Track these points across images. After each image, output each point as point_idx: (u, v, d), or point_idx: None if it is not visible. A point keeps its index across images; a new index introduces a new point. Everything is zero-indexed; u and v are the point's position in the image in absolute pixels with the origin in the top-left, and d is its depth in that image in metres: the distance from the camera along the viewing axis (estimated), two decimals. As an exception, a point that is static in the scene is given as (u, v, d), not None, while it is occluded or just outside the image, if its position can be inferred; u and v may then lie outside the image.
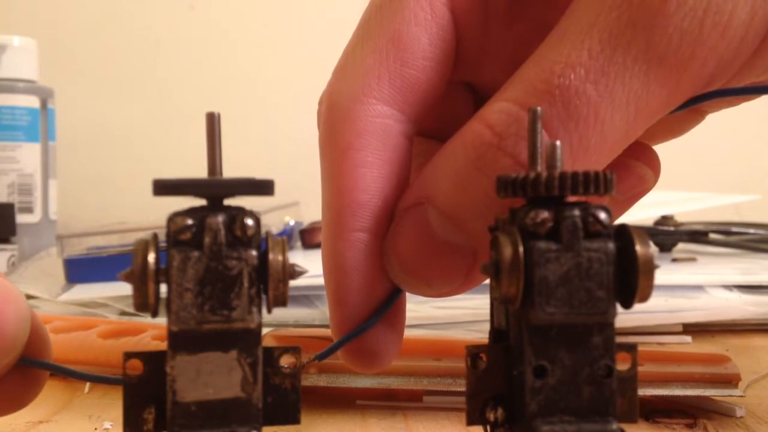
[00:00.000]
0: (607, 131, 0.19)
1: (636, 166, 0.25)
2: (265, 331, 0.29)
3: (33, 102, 0.69)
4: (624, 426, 0.18)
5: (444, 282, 0.21)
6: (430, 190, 0.21)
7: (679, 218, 0.68)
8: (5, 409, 0.21)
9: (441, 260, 0.21)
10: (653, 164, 0.25)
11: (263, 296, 0.18)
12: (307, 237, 0.64)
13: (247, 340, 0.18)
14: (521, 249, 0.17)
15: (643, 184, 0.25)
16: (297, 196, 0.73)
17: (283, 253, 0.18)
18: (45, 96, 0.70)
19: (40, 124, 0.69)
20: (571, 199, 0.17)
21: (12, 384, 0.20)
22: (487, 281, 0.18)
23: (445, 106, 0.24)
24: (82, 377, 0.20)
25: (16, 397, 0.21)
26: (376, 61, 0.22)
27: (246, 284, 0.17)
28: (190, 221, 0.17)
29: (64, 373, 0.20)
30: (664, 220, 0.68)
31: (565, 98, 0.19)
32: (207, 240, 0.17)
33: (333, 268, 0.22)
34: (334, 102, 0.22)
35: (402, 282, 0.22)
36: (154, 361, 0.18)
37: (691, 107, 0.21)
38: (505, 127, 0.20)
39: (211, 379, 0.17)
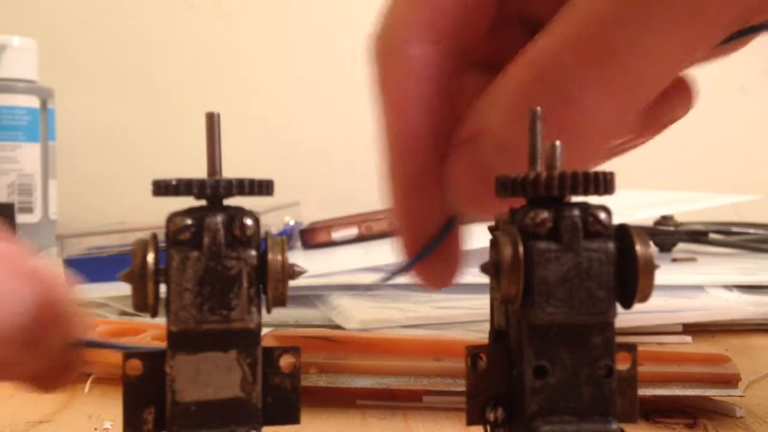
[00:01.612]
0: (649, 70, 0.19)
1: (670, 95, 0.25)
2: (264, 331, 0.29)
3: (33, 102, 0.69)
4: (624, 426, 0.18)
5: (500, 210, 0.21)
6: (483, 124, 0.21)
7: (679, 218, 0.68)
8: (51, 388, 0.21)
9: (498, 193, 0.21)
10: (687, 94, 0.25)
11: (263, 296, 0.18)
12: (307, 237, 0.64)
13: (246, 340, 0.18)
14: (521, 249, 0.17)
15: (674, 113, 0.25)
16: (297, 196, 0.73)
17: (283, 253, 0.18)
18: (45, 96, 0.70)
19: (40, 124, 0.69)
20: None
21: (59, 362, 0.21)
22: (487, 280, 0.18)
23: (499, 40, 0.25)
24: (124, 348, 0.21)
25: (62, 375, 0.21)
26: (418, 4, 0.22)
27: (245, 284, 0.17)
28: (189, 221, 0.17)
29: (110, 348, 0.21)
30: (664, 220, 0.68)
31: (612, 36, 0.19)
32: (206, 240, 0.17)
33: (398, 194, 0.23)
34: (378, 44, 0.23)
35: (461, 210, 0.22)
36: (153, 361, 0.18)
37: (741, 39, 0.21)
38: (548, 63, 0.20)
39: (210, 379, 0.17)
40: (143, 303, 0.17)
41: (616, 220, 0.18)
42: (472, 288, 0.47)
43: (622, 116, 0.20)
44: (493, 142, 0.21)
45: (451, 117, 0.22)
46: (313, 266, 0.48)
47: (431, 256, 0.23)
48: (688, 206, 0.67)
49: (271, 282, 0.17)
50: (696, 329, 0.44)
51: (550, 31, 0.20)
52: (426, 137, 0.22)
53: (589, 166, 0.21)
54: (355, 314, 0.41)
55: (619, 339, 0.18)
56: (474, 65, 0.25)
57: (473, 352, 0.19)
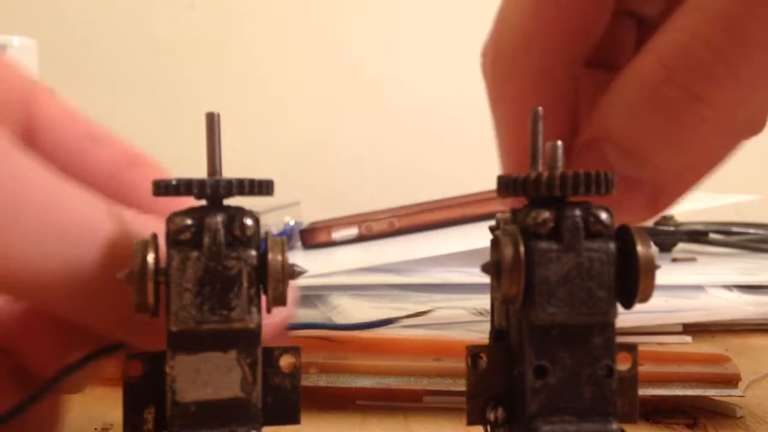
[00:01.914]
0: None
1: None
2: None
3: (33, 102, 0.69)
4: (624, 426, 0.18)
5: (627, 213, 0.21)
6: (606, 127, 0.21)
7: (679, 218, 0.68)
8: None
9: (622, 194, 0.20)
10: None
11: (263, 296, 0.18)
12: (307, 237, 0.64)
13: (246, 340, 0.18)
14: (522, 249, 0.17)
15: None
16: (297, 196, 0.73)
17: (283, 252, 0.18)
18: (45, 96, 0.70)
19: (39, 124, 0.69)
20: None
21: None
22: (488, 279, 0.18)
23: (607, 34, 0.24)
24: (337, 327, 0.24)
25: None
26: (538, 5, 0.22)
27: (245, 284, 0.17)
28: (189, 221, 0.17)
29: (326, 328, 0.25)
30: (664, 220, 0.67)
31: (746, 29, 0.18)
32: (206, 240, 0.17)
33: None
34: (497, 54, 0.22)
35: None
36: (153, 361, 0.18)
37: None
38: (676, 60, 0.19)
39: (210, 379, 0.17)
40: (143, 303, 0.17)
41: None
42: (472, 288, 0.47)
43: (758, 114, 0.19)
44: (619, 145, 0.20)
45: (570, 121, 0.22)
46: (313, 266, 0.48)
47: None
48: (688, 206, 0.67)
49: (271, 282, 0.17)
50: (696, 329, 0.44)
51: (675, 25, 0.19)
52: None
53: (711, 171, 0.20)
54: (355, 314, 0.41)
55: (620, 339, 0.18)
56: (585, 62, 0.24)
57: (473, 352, 0.19)
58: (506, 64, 0.22)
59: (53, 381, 0.20)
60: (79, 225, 0.18)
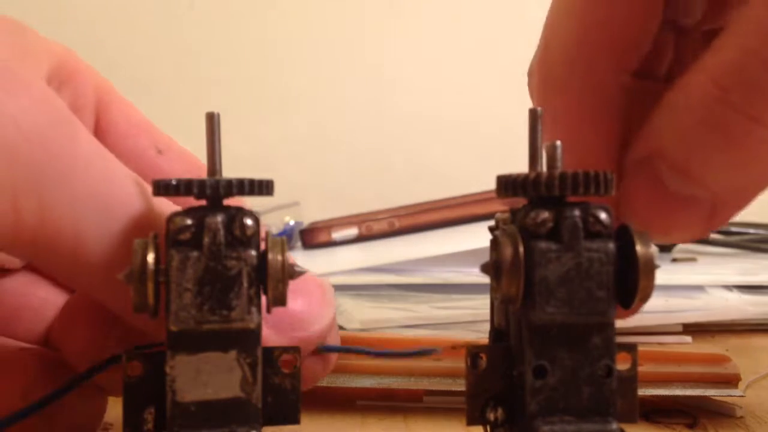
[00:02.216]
0: None
1: None
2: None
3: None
4: (624, 426, 0.18)
5: (682, 232, 0.21)
6: (659, 145, 0.20)
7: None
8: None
9: (676, 212, 0.20)
10: None
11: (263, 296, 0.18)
12: (307, 237, 0.64)
13: (246, 340, 0.18)
14: (521, 249, 0.17)
15: None
16: (297, 196, 0.73)
17: (283, 253, 0.18)
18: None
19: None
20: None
21: (312, 364, 0.23)
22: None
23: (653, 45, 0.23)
24: (375, 354, 0.24)
25: (314, 374, 0.23)
26: (589, 21, 0.21)
27: (245, 284, 0.17)
28: (189, 221, 0.17)
29: (356, 352, 0.24)
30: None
31: None
32: (206, 240, 0.17)
33: None
34: (547, 72, 0.22)
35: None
36: (153, 361, 0.18)
37: None
38: (730, 78, 0.18)
39: (210, 379, 0.17)
40: (143, 303, 0.17)
41: (616, 220, 0.18)
42: (472, 288, 0.47)
43: None
44: (673, 164, 0.20)
45: (622, 135, 0.21)
46: (313, 266, 0.48)
47: None
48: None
49: (271, 282, 0.17)
50: (696, 329, 0.44)
51: (727, 41, 0.18)
52: (603, 164, 0.21)
53: (759, 193, 0.20)
54: (355, 314, 0.41)
55: (619, 339, 0.18)
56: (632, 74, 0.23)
57: (473, 352, 0.19)
58: (557, 81, 0.21)
59: (79, 378, 0.21)
60: (121, 202, 0.19)
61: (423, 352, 0.22)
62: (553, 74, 0.22)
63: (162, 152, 0.25)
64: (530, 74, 0.23)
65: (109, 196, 0.19)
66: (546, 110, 0.21)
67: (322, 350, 0.22)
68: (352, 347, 0.23)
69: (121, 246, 0.18)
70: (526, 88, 0.23)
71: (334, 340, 0.23)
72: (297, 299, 0.21)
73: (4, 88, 0.18)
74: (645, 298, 0.17)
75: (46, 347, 0.24)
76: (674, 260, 0.61)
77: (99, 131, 0.25)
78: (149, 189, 0.19)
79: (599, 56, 0.21)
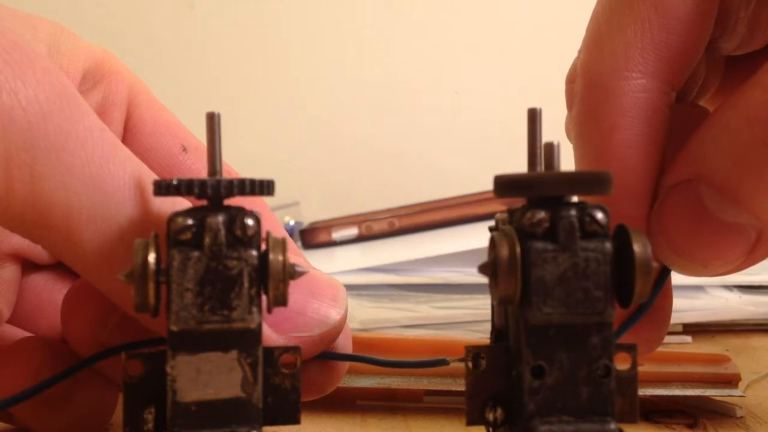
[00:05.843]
0: None
1: None
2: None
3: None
4: (624, 426, 0.18)
5: (722, 263, 0.20)
6: (703, 168, 0.19)
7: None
8: (307, 395, 0.21)
9: (718, 240, 0.19)
10: None
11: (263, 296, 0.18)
12: (307, 237, 0.64)
13: (247, 340, 0.18)
14: (518, 249, 0.17)
15: None
16: (297, 196, 0.73)
17: (283, 253, 0.18)
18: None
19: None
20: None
21: (313, 373, 0.22)
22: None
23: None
24: (382, 364, 0.23)
25: (316, 384, 0.22)
26: (639, 31, 0.21)
27: (246, 284, 0.17)
28: (190, 221, 0.17)
29: (363, 362, 0.22)
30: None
31: None
32: (207, 240, 0.17)
33: None
34: (593, 79, 0.21)
35: (673, 263, 0.20)
36: (154, 361, 0.18)
37: None
38: None
39: (211, 379, 0.17)
40: (144, 303, 0.17)
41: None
42: (472, 288, 0.47)
43: None
44: (719, 188, 0.19)
45: (662, 154, 0.21)
46: (313, 266, 0.48)
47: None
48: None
49: (272, 282, 0.17)
50: (696, 329, 0.44)
51: None
52: (642, 182, 0.20)
53: None
54: (355, 314, 0.41)
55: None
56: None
57: (473, 352, 0.19)
58: (605, 89, 0.21)
59: (80, 365, 0.21)
60: (117, 186, 0.19)
61: (432, 363, 0.22)
62: (603, 83, 0.21)
63: (187, 151, 0.25)
64: (571, 80, 0.22)
65: (104, 178, 0.19)
66: (590, 115, 0.21)
67: (326, 357, 0.22)
68: (356, 355, 0.22)
69: (116, 234, 0.19)
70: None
71: (344, 343, 0.23)
72: (304, 298, 0.21)
73: (6, 59, 0.18)
74: (643, 298, 0.17)
75: (65, 342, 0.24)
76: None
77: (128, 128, 0.25)
78: (150, 186, 0.19)
79: (657, 71, 0.21)
